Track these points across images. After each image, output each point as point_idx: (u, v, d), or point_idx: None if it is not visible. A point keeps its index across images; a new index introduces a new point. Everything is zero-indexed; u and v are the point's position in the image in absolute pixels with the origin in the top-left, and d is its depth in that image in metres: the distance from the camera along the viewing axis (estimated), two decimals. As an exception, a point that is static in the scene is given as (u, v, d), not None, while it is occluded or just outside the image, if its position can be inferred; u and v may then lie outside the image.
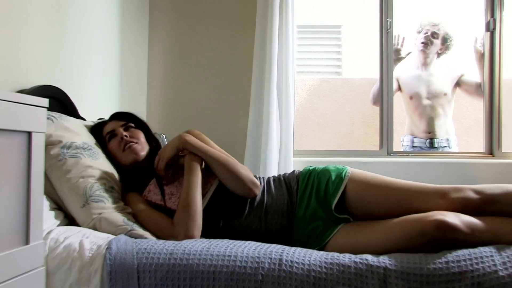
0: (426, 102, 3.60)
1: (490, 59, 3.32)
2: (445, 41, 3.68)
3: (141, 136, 1.95)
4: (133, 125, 1.98)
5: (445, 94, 3.59)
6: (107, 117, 2.12)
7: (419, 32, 3.70)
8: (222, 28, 3.37)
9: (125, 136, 1.90)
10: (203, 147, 1.81)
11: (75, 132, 1.86)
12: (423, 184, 1.73)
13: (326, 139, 4.69)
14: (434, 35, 3.64)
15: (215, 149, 1.87)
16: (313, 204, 1.76)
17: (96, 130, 1.99)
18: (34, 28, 2.06)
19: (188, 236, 1.62)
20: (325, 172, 1.84)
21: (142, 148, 1.91)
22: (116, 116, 2.01)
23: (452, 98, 3.64)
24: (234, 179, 1.77)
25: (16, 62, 1.94)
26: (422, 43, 3.64)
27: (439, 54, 3.71)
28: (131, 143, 1.89)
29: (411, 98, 3.63)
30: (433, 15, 4.57)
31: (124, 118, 1.99)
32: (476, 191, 1.63)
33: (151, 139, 2.01)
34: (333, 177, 1.80)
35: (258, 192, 1.78)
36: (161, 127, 3.19)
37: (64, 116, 1.92)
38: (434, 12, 4.98)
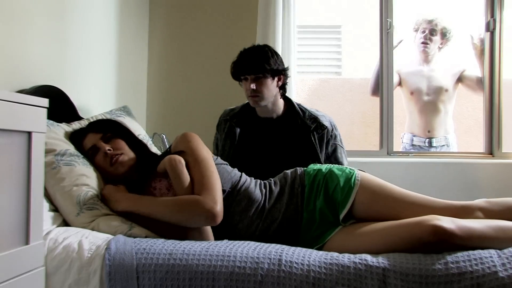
0: (426, 98, 3.59)
1: (490, 59, 3.32)
2: (444, 35, 3.67)
3: (124, 145, 1.86)
4: (111, 134, 1.88)
5: (446, 90, 3.58)
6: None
7: (416, 31, 3.69)
8: (223, 28, 3.37)
9: (109, 150, 1.82)
10: (140, 201, 1.68)
11: (66, 142, 1.84)
12: (431, 200, 1.71)
13: (326, 139, 4.69)
14: (432, 32, 3.63)
15: (200, 160, 1.74)
16: (321, 208, 1.75)
17: (75, 140, 1.89)
18: (34, 28, 2.06)
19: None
20: (332, 175, 1.80)
21: (129, 157, 1.83)
22: (92, 128, 1.91)
23: (453, 95, 3.62)
24: (186, 220, 1.63)
25: (16, 62, 1.94)
26: (422, 43, 3.63)
27: (440, 48, 3.70)
28: (117, 156, 1.81)
29: (412, 93, 3.62)
30: (432, 12, 4.57)
31: (101, 129, 1.89)
32: (485, 212, 1.64)
33: (135, 143, 1.93)
34: (342, 183, 1.76)
35: (217, 220, 1.62)
36: (161, 127, 3.19)
37: (55, 124, 1.90)
38: (433, 10, 4.97)
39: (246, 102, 2.46)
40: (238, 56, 2.35)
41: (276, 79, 2.33)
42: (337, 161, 2.42)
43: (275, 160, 2.29)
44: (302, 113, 2.41)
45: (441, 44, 3.68)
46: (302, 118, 2.38)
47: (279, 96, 2.39)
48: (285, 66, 2.39)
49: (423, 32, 3.64)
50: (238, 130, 2.38)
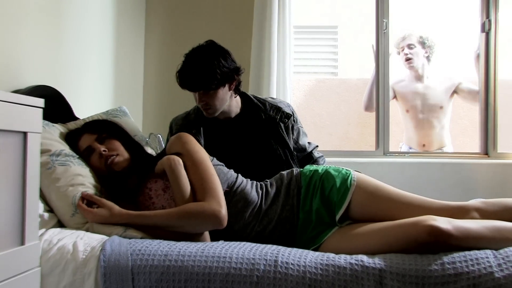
0: (421, 115, 3.62)
1: (485, 60, 3.33)
2: (423, 44, 3.67)
3: (119, 146, 1.85)
4: (107, 135, 1.87)
5: (441, 108, 3.60)
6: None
7: (398, 53, 3.70)
8: (219, 28, 3.37)
9: (104, 151, 1.81)
10: (144, 219, 1.63)
11: (61, 142, 1.84)
12: (428, 200, 1.71)
13: (322, 140, 4.69)
14: (410, 46, 3.64)
15: (198, 162, 1.73)
16: (317, 208, 1.75)
17: (70, 141, 1.89)
18: (29, 28, 2.05)
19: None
20: (328, 176, 1.80)
21: (124, 158, 1.82)
22: (88, 129, 1.90)
23: (448, 109, 3.65)
24: (194, 228, 1.64)
25: (11, 62, 1.93)
26: (407, 60, 3.64)
27: (427, 58, 3.70)
28: (112, 157, 1.80)
29: (407, 111, 3.65)
30: (427, 17, 4.59)
31: (97, 130, 1.88)
32: (480, 212, 1.65)
33: (130, 143, 1.91)
34: (338, 184, 1.76)
35: (224, 223, 1.63)
36: (158, 127, 3.18)
37: (50, 124, 1.89)
38: (430, 13, 4.99)
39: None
40: (182, 65, 2.13)
41: (227, 85, 2.14)
42: (302, 145, 2.38)
43: (246, 159, 2.19)
44: (263, 105, 2.30)
45: (426, 53, 3.68)
46: (265, 111, 2.28)
47: (234, 96, 2.24)
48: (236, 65, 2.19)
49: (402, 50, 3.66)
50: (202, 141, 2.21)
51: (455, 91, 3.63)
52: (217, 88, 2.10)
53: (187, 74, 2.11)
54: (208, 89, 2.09)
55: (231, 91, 2.20)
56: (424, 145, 3.61)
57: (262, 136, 2.26)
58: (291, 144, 2.30)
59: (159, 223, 1.62)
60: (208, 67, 2.07)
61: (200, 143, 2.16)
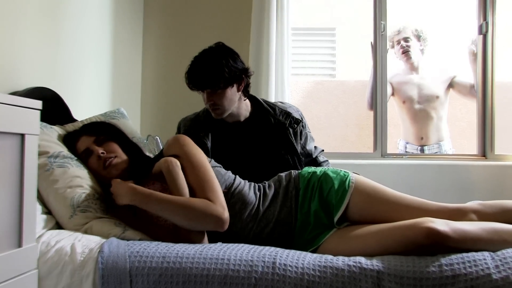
0: (418, 106, 3.60)
1: (483, 61, 3.34)
2: (419, 37, 3.68)
3: (117, 148, 1.84)
4: (104, 137, 1.86)
5: (437, 97, 3.59)
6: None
7: (393, 47, 3.70)
8: (217, 30, 3.37)
9: (102, 153, 1.80)
10: (150, 200, 1.63)
11: (59, 144, 1.84)
12: (425, 203, 1.72)
13: (320, 141, 4.68)
14: (407, 39, 3.64)
15: (196, 163, 1.74)
16: (316, 210, 1.75)
17: (68, 143, 1.89)
18: (27, 29, 2.05)
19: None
20: (326, 178, 1.81)
21: (122, 160, 1.82)
22: (86, 131, 1.90)
23: (445, 101, 3.63)
24: (195, 222, 1.63)
25: (9, 64, 1.93)
26: (403, 53, 3.64)
27: (422, 51, 3.71)
28: (110, 159, 1.79)
29: (404, 102, 3.64)
30: (423, 18, 4.59)
31: (94, 132, 1.88)
32: (478, 214, 1.65)
33: (128, 145, 1.91)
34: (336, 186, 1.76)
35: (225, 226, 1.64)
36: (156, 129, 3.18)
37: (48, 126, 1.89)
38: (427, 14, 5.00)
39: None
40: (190, 65, 2.17)
41: (236, 85, 2.15)
42: (308, 151, 2.37)
43: (253, 164, 2.19)
44: (272, 110, 2.29)
45: (421, 46, 3.69)
46: (274, 115, 2.27)
47: (243, 99, 2.24)
48: (245, 66, 2.20)
49: (398, 43, 3.66)
50: (209, 143, 2.20)
51: (451, 85, 3.63)
52: (225, 87, 2.11)
53: (195, 73, 2.13)
54: (216, 88, 2.10)
55: (239, 93, 2.19)
56: (422, 138, 3.59)
57: (271, 140, 2.26)
58: (299, 149, 2.30)
59: (166, 206, 1.61)
60: (216, 65, 2.09)
61: (207, 146, 2.17)
